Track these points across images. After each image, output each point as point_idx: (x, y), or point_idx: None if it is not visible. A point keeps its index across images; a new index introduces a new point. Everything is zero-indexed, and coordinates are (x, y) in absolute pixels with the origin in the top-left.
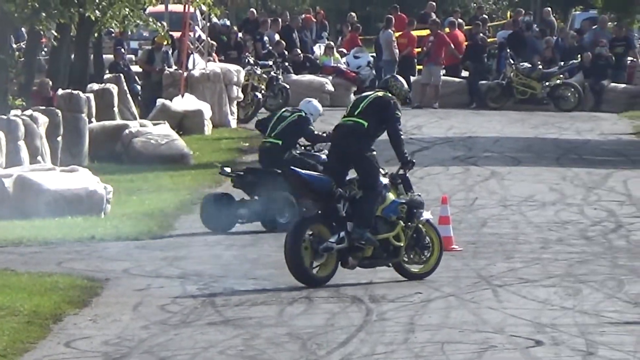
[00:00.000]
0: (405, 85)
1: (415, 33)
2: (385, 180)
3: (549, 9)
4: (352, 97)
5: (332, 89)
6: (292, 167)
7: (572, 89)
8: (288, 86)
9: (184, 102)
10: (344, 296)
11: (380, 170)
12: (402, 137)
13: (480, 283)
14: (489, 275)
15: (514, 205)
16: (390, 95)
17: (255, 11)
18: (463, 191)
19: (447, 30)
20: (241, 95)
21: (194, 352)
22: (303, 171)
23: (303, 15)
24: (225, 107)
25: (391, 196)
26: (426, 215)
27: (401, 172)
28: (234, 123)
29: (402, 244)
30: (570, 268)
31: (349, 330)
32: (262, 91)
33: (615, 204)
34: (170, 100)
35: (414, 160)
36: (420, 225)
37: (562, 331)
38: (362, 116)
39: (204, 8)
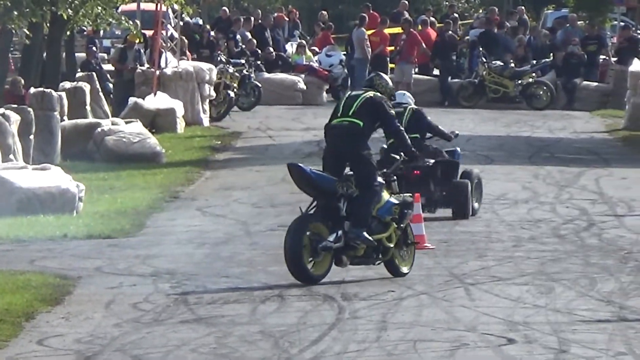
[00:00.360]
0: (390, 83)
1: (387, 31)
2: (380, 179)
3: (523, 7)
4: (325, 95)
5: (304, 88)
6: (298, 163)
7: (545, 88)
8: (260, 85)
9: (156, 101)
10: (317, 294)
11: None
12: (403, 132)
13: (452, 281)
14: (461, 273)
15: (486, 203)
16: (379, 94)
17: (227, 10)
18: None
19: (419, 28)
20: (213, 94)
21: (167, 350)
22: (308, 167)
23: (275, 14)
24: (197, 105)
25: (385, 196)
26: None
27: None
28: (206, 121)
29: (392, 245)
30: (543, 266)
31: (321, 329)
32: (235, 89)
33: (588, 202)
34: (143, 98)
35: (420, 155)
36: (409, 223)
37: (534, 329)
38: (356, 116)
39: (177, 7)
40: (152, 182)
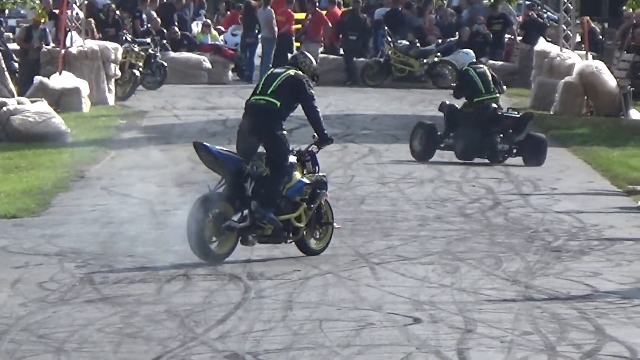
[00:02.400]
0: (314, 63)
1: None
2: (293, 159)
3: None
4: (230, 74)
5: (210, 67)
6: (204, 142)
7: (450, 67)
8: (166, 64)
9: (61, 80)
10: (222, 274)
11: (290, 148)
12: (319, 113)
13: (358, 261)
14: (367, 252)
15: (392, 182)
16: (301, 73)
17: None
18: (341, 169)
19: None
20: (119, 73)
21: (72, 330)
22: (213, 146)
23: None
24: (103, 84)
25: (297, 175)
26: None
27: (313, 148)
28: (111, 100)
29: (302, 225)
30: (449, 245)
31: (227, 308)
32: (140, 69)
33: (494, 181)
34: (48, 77)
35: (332, 138)
36: (322, 202)
37: (440, 309)
38: (274, 95)
39: None
40: (57, 161)
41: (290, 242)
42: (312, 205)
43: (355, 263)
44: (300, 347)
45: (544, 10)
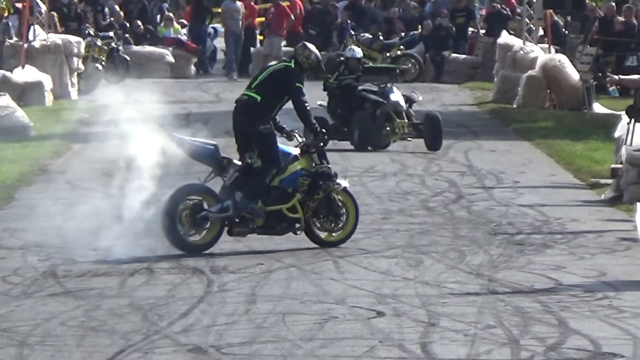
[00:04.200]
0: (315, 55)
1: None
2: (295, 151)
3: None
4: (193, 68)
5: (173, 60)
6: (177, 135)
7: (413, 60)
8: (128, 57)
9: (24, 74)
10: (185, 267)
11: (281, 142)
12: (307, 107)
13: (321, 254)
14: (330, 246)
15: (355, 176)
16: (292, 66)
17: None
18: None
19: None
20: (82, 67)
21: (35, 324)
22: (187, 138)
23: None
24: (65, 78)
25: (297, 166)
26: (343, 183)
27: (312, 142)
28: (74, 94)
29: (298, 216)
30: (412, 239)
31: (190, 302)
32: (103, 62)
33: (457, 174)
34: (11, 71)
35: (323, 130)
36: (334, 194)
37: (403, 302)
38: (256, 89)
39: None
40: (20, 155)
41: (300, 234)
42: (315, 197)
43: (318, 256)
44: (264, 341)
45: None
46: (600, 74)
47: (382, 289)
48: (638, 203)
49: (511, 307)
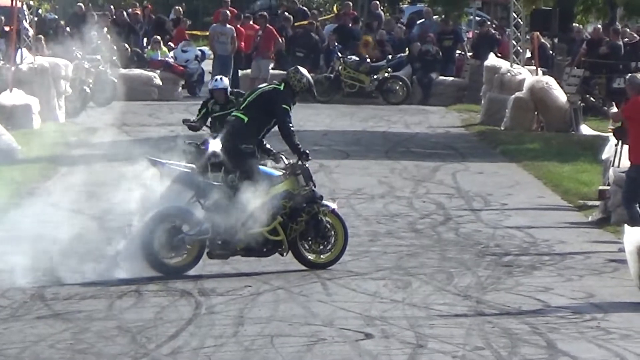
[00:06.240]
0: (307, 78)
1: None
2: (277, 173)
3: (377, 2)
4: (180, 91)
5: (160, 83)
6: (156, 159)
7: (400, 82)
8: (116, 80)
9: (12, 97)
10: (173, 290)
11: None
12: (291, 129)
13: (309, 276)
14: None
15: (342, 198)
16: (281, 88)
17: (82, 5)
18: None
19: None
20: (69, 90)
21: (24, 346)
22: (165, 162)
23: (130, 10)
24: (53, 101)
25: (280, 189)
26: (332, 205)
27: (300, 163)
28: (62, 117)
29: (280, 239)
30: (400, 261)
31: (178, 324)
32: (90, 85)
33: (444, 196)
34: None
35: (307, 151)
36: (322, 216)
37: (391, 324)
38: (244, 110)
39: (32, 2)
40: (7, 178)
41: (286, 256)
42: (298, 219)
43: (306, 278)
44: None
45: (493, 26)
46: (587, 96)
47: (370, 311)
48: (626, 224)
49: (499, 329)
